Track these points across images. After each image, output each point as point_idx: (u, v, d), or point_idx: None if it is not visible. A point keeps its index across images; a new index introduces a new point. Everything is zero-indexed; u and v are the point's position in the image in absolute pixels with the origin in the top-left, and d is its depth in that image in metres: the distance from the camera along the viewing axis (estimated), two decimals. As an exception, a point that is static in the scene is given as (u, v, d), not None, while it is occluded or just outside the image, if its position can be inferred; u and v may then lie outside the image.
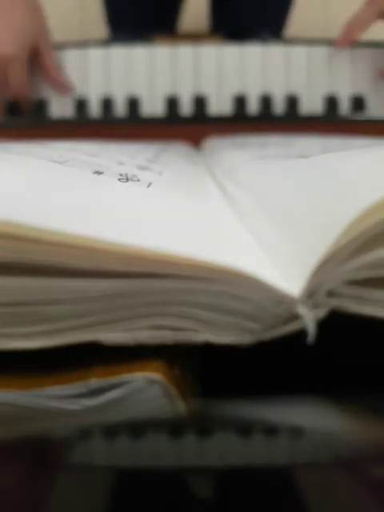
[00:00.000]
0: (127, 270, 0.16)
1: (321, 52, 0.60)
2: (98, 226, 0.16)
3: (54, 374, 0.17)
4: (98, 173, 0.24)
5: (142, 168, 0.29)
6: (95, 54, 0.60)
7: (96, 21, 0.85)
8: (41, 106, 0.59)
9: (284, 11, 0.79)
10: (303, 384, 0.18)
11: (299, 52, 0.60)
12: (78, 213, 0.17)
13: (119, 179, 0.24)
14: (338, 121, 0.60)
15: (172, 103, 0.59)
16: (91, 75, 0.60)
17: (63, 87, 0.59)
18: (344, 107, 0.60)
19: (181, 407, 0.16)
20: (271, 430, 0.16)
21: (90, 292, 0.16)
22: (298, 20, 0.82)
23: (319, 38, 0.61)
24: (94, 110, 0.60)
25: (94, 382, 0.16)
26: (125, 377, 0.16)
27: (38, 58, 0.58)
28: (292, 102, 0.60)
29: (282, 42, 0.62)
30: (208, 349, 0.17)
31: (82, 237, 0.15)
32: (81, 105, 0.59)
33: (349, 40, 0.59)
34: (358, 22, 0.58)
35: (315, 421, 0.16)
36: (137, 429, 0.16)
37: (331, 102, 0.60)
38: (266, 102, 0.60)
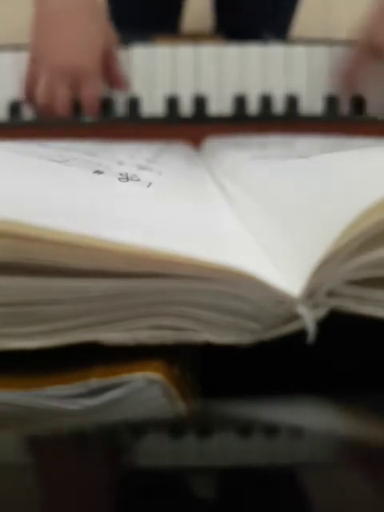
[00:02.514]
0: (127, 270, 0.16)
1: (321, 52, 0.60)
2: (98, 226, 0.16)
3: (54, 374, 0.17)
4: (98, 172, 0.24)
5: (142, 168, 0.29)
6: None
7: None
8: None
9: (289, 13, 0.79)
10: (303, 384, 0.18)
11: (299, 52, 0.60)
12: (78, 212, 0.17)
13: (119, 179, 0.24)
14: (338, 121, 0.60)
15: (172, 103, 0.59)
16: (91, 75, 0.60)
17: (126, 86, 0.58)
18: (344, 107, 0.60)
19: (181, 407, 0.16)
20: (271, 430, 0.16)
21: (90, 292, 0.16)
22: (299, 20, 0.82)
23: (319, 39, 0.62)
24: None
25: (94, 381, 0.16)
26: (125, 377, 0.16)
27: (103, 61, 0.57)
28: (292, 101, 0.60)
29: (282, 42, 0.62)
30: (208, 349, 0.17)
31: (82, 236, 0.15)
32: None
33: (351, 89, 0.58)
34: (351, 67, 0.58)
35: (315, 421, 0.16)
36: (137, 429, 0.16)
37: (331, 102, 0.60)
38: (266, 102, 0.60)
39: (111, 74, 0.58)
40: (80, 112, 0.59)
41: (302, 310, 0.16)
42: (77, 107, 0.59)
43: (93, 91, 0.56)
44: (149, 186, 0.24)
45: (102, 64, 0.56)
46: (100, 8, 0.57)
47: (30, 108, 0.58)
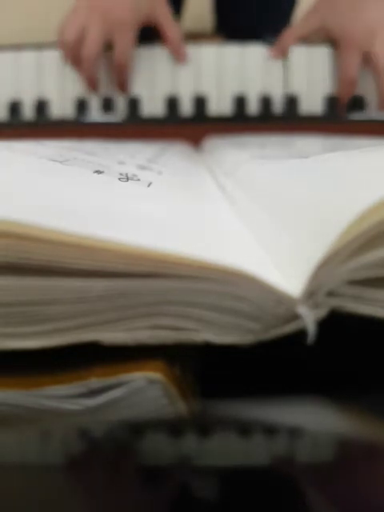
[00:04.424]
0: (127, 270, 0.16)
1: (321, 52, 0.60)
2: (98, 226, 0.16)
3: (54, 374, 0.17)
4: (99, 172, 0.24)
5: (142, 168, 0.29)
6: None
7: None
8: (41, 106, 0.59)
9: (289, 13, 0.79)
10: (303, 384, 0.18)
11: (299, 52, 0.60)
12: (78, 212, 0.17)
13: (119, 179, 0.24)
14: (338, 121, 0.60)
15: (172, 103, 0.59)
16: (91, 75, 0.60)
17: (183, 57, 0.60)
18: (344, 107, 0.60)
19: (181, 407, 0.16)
20: (271, 430, 0.16)
21: (90, 292, 0.16)
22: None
23: (319, 38, 0.61)
24: (95, 109, 0.60)
25: (94, 381, 0.16)
26: (125, 377, 0.16)
27: (158, 31, 0.59)
28: (292, 102, 0.60)
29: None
30: (208, 349, 0.17)
31: (82, 236, 0.15)
32: (81, 104, 0.59)
33: (282, 50, 0.59)
34: (296, 32, 0.59)
35: (315, 421, 0.16)
36: (137, 429, 0.16)
37: (331, 102, 0.60)
38: (266, 102, 0.60)
39: (165, 40, 0.59)
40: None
41: (302, 310, 0.16)
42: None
43: (125, 46, 0.57)
44: (149, 185, 0.24)
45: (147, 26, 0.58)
46: None
47: (60, 49, 0.59)
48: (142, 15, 0.57)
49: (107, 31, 0.56)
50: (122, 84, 0.59)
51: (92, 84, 0.59)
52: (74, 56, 0.58)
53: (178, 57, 0.59)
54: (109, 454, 0.15)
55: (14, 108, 0.59)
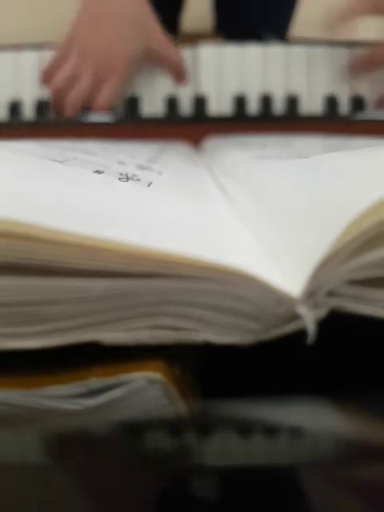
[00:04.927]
0: (127, 270, 0.16)
1: (321, 52, 0.60)
2: (98, 226, 0.16)
3: (54, 374, 0.17)
4: (99, 172, 0.24)
5: (142, 168, 0.29)
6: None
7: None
8: (41, 106, 0.59)
9: (289, 13, 0.79)
10: (303, 384, 0.18)
11: (299, 52, 0.60)
12: (78, 212, 0.17)
13: (119, 179, 0.24)
14: (338, 121, 0.60)
15: (172, 103, 0.59)
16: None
17: (184, 79, 0.59)
18: (344, 107, 0.60)
19: (181, 407, 0.16)
20: (271, 430, 0.16)
21: (90, 292, 0.16)
22: (299, 20, 0.82)
23: (319, 38, 0.61)
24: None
25: (94, 381, 0.16)
26: (125, 377, 0.16)
27: (155, 58, 0.58)
28: (292, 102, 0.60)
29: (282, 42, 0.62)
30: (208, 349, 0.17)
31: (82, 236, 0.15)
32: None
33: (332, 27, 0.57)
34: (347, 11, 0.56)
35: (315, 421, 0.16)
36: (137, 429, 0.16)
37: (331, 102, 0.60)
38: (266, 102, 0.60)
39: (167, 67, 0.59)
40: (82, 111, 0.59)
41: (302, 310, 0.16)
42: (13, 106, 0.59)
43: (111, 90, 0.56)
44: (149, 185, 0.24)
45: (146, 61, 0.57)
46: (145, 12, 0.58)
47: (45, 88, 0.58)
48: (137, 53, 0.57)
49: (97, 76, 0.56)
50: (104, 109, 0.58)
51: (73, 115, 0.58)
52: (59, 99, 0.57)
53: (180, 79, 0.59)
54: (109, 454, 0.15)
55: (14, 108, 0.59)
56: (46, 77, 0.58)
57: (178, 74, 0.59)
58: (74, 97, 0.56)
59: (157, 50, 0.58)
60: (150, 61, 0.58)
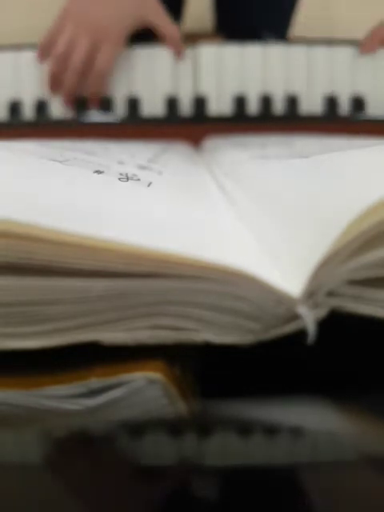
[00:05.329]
0: (127, 270, 0.16)
1: (321, 52, 0.60)
2: (98, 226, 0.16)
3: (54, 374, 0.17)
4: (99, 172, 0.24)
5: (143, 167, 0.29)
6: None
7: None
8: (41, 106, 0.59)
9: (289, 13, 0.79)
10: (303, 384, 0.18)
11: (299, 52, 0.60)
12: (78, 212, 0.17)
13: (119, 178, 0.24)
14: (338, 121, 0.60)
15: (172, 103, 0.59)
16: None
17: (182, 54, 0.60)
18: (344, 107, 0.60)
19: (181, 407, 0.16)
20: (271, 430, 0.16)
21: (90, 292, 0.16)
22: (299, 20, 0.82)
23: (319, 38, 0.61)
24: (94, 109, 0.60)
25: (94, 381, 0.16)
26: (125, 377, 0.16)
27: (154, 33, 0.59)
28: (292, 102, 0.60)
29: (282, 42, 0.62)
30: (208, 349, 0.17)
31: (82, 236, 0.15)
32: (81, 104, 0.59)
33: (373, 47, 0.59)
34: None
35: (315, 421, 0.16)
36: (137, 429, 0.16)
37: (331, 102, 0.60)
38: (266, 102, 0.60)
39: (160, 36, 0.60)
40: (82, 110, 0.59)
41: (302, 310, 0.16)
42: (79, 105, 0.59)
43: (109, 56, 0.57)
44: (149, 185, 0.24)
45: (140, 32, 0.59)
46: None
47: (45, 62, 0.59)
48: (132, 21, 0.58)
49: (94, 42, 0.57)
50: (96, 92, 0.59)
51: (69, 100, 0.58)
52: (60, 69, 0.58)
53: (177, 53, 0.59)
54: (109, 454, 0.15)
55: (14, 108, 0.59)
56: (44, 50, 0.59)
57: (176, 48, 0.60)
58: (74, 62, 0.57)
59: (153, 22, 0.59)
60: (144, 28, 0.59)
